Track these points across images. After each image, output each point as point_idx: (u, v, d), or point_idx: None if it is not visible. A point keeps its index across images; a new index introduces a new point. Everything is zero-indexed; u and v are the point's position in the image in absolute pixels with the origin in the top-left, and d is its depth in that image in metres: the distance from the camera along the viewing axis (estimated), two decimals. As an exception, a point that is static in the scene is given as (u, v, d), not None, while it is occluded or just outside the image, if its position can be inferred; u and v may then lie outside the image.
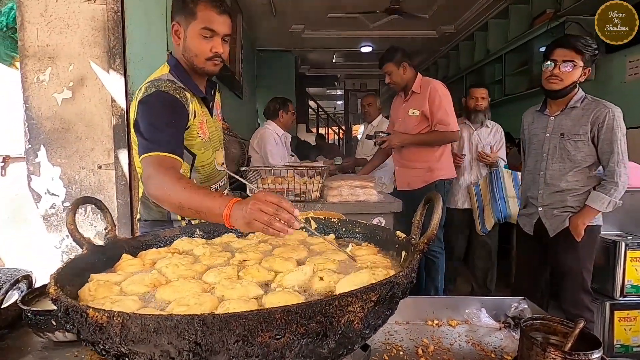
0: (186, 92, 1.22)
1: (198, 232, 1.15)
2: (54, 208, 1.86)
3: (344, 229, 1.17)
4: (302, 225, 0.80)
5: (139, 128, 1.12)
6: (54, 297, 0.52)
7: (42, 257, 1.92)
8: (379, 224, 2.12)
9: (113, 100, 1.82)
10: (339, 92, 11.16)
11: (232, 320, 0.43)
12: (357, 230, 1.13)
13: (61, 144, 1.82)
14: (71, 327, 0.50)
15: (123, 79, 1.81)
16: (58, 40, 1.79)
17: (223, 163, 1.46)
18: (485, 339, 1.02)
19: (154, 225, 1.37)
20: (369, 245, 1.01)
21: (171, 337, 0.45)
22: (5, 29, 1.92)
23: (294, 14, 5.10)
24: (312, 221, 1.24)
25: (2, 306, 0.94)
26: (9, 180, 2.51)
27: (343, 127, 10.75)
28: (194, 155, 1.29)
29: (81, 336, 0.50)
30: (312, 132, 9.19)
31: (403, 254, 0.87)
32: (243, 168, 2.01)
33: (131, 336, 0.46)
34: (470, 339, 1.02)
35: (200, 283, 0.72)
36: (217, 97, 1.48)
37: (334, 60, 7.98)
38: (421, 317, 1.14)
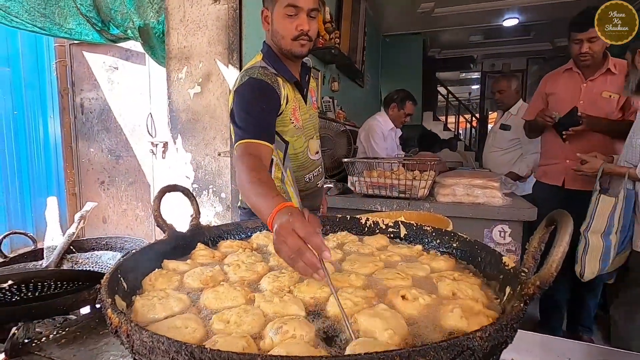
0: (278, 78, 1.20)
1: (280, 226, 1.12)
2: (193, 186, 2.15)
3: (438, 241, 0.96)
4: (326, 277, 0.60)
5: (234, 117, 1.15)
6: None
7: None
8: (502, 234, 1.74)
9: (230, 92, 1.98)
10: (474, 75, 9.96)
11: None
12: (455, 245, 0.91)
13: (192, 133, 2.10)
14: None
15: (239, 72, 1.94)
16: (192, 41, 2.03)
17: (317, 152, 1.41)
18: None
19: (252, 213, 1.42)
20: (448, 257, 0.82)
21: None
22: (162, 35, 2.30)
23: (423, -9, 4.69)
24: (401, 226, 1.06)
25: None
26: (167, 163, 3.07)
27: (477, 115, 9.55)
28: (286, 143, 1.27)
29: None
30: (439, 120, 8.48)
31: (507, 290, 0.64)
32: (345, 160, 1.92)
33: (136, 348, 0.43)
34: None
35: (247, 292, 0.66)
36: (312, 83, 1.42)
37: (469, 40, 7.10)
38: None
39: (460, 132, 10.88)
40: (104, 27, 2.32)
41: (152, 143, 3.08)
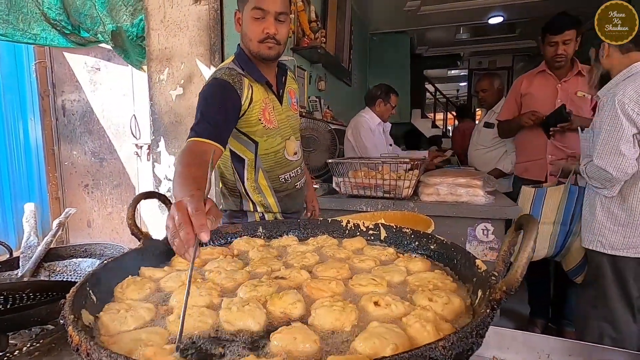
0: (244, 78, 1.21)
1: (260, 230, 1.11)
2: (170, 192, 2.13)
3: (417, 243, 0.96)
4: (193, 256, 0.60)
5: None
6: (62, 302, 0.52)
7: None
8: (485, 232, 1.77)
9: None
10: (462, 72, 10.05)
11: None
12: (432, 247, 0.92)
13: (175, 135, 2.07)
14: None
15: (219, 73, 1.93)
16: (173, 42, 2.01)
17: (296, 153, 1.41)
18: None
19: (232, 216, 1.41)
20: (424, 259, 0.83)
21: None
22: (135, 38, 2.26)
23: (409, -10, 4.70)
24: (382, 229, 1.07)
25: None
26: (151, 165, 3.03)
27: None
28: (255, 143, 1.28)
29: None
30: (427, 117, 8.54)
31: (479, 293, 0.65)
32: (330, 161, 1.92)
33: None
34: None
35: (213, 297, 0.65)
36: (293, 85, 1.43)
37: (456, 38, 7.15)
38: (530, 357, 0.90)
39: (449, 128, 10.98)
40: (74, 30, 2.26)
41: (136, 145, 3.03)
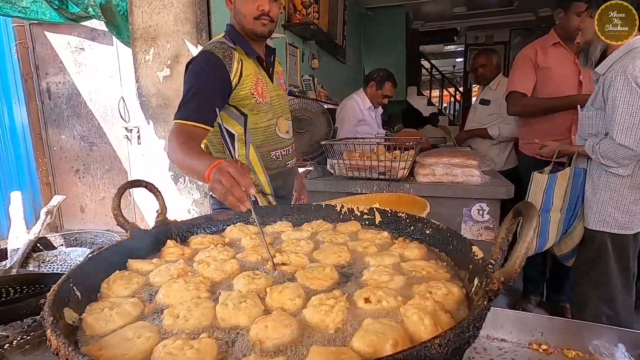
0: (234, 51, 1.20)
1: (254, 217, 1.09)
2: (172, 171, 2.08)
3: (412, 227, 0.95)
4: (250, 208, 0.80)
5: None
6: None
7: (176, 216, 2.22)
8: (481, 212, 1.76)
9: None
10: (459, 48, 9.84)
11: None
12: (428, 232, 0.90)
13: (164, 118, 2.01)
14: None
15: (209, 53, 1.85)
16: (157, 20, 1.91)
17: (288, 132, 1.39)
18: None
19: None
20: (420, 244, 0.82)
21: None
22: (125, 12, 2.15)
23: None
24: (376, 213, 1.05)
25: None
26: (142, 150, 2.96)
27: (461, 89, 9.52)
28: (245, 116, 1.27)
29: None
30: (423, 95, 8.42)
31: (475, 281, 0.63)
32: (323, 142, 1.88)
33: None
34: (596, 381, 0.75)
35: (199, 291, 0.63)
36: (279, 67, 1.42)
37: (453, 12, 6.95)
38: (523, 336, 0.89)
39: (445, 105, 10.87)
40: (62, 4, 2.15)
41: (126, 128, 2.95)
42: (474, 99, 8.63)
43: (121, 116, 2.94)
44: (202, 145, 1.37)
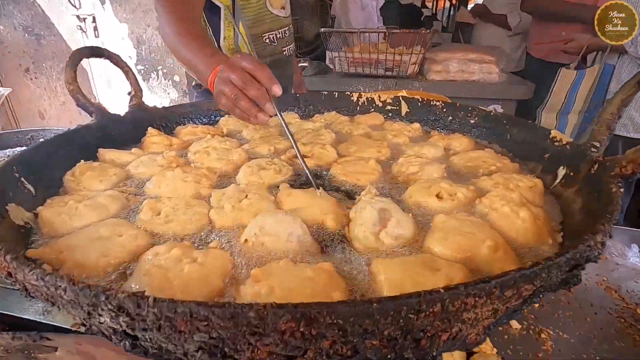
0: None
1: (252, 107, 0.89)
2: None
3: (450, 118, 0.79)
4: (275, 113, 0.56)
5: None
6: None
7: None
8: (494, 114, 1.61)
9: None
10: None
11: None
12: (472, 121, 0.75)
13: (123, -5, 1.61)
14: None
15: None
16: None
17: (283, 8, 1.12)
18: (629, 285, 0.69)
19: (208, 91, 1.17)
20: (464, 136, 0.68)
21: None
22: None
23: None
24: (402, 102, 0.87)
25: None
26: (100, 41, 2.52)
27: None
28: None
29: None
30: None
31: (562, 171, 0.50)
32: (323, 30, 1.59)
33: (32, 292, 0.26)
34: (604, 280, 0.71)
35: (199, 185, 0.48)
36: None
37: None
38: None
39: (440, 12, 10.00)
40: None
41: (78, 17, 2.46)
42: (469, 5, 7.87)
43: (70, 1, 2.42)
44: None
